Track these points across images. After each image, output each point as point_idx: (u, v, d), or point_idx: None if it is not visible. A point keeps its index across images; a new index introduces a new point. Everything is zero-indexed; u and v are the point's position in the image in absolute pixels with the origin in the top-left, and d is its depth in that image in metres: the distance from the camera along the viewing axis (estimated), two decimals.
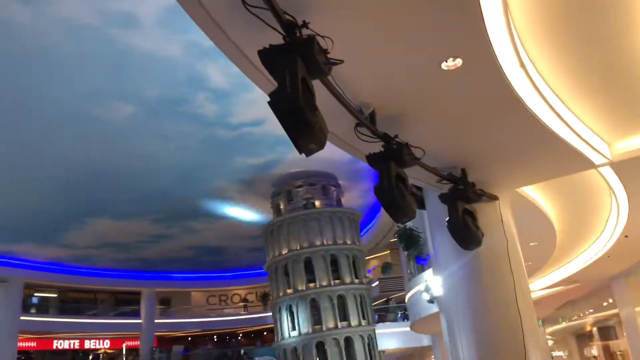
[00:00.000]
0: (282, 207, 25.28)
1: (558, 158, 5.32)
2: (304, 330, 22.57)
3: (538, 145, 4.94)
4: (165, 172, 23.02)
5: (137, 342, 35.89)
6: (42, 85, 16.52)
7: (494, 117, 4.32)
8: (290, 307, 23.29)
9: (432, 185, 5.18)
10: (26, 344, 32.72)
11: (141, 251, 32.02)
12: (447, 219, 4.80)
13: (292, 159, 23.08)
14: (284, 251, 24.11)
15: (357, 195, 28.08)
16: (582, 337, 25.26)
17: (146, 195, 24.66)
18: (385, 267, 32.06)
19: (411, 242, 15.74)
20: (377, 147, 3.85)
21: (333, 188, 25.94)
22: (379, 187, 3.65)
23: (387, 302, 30.97)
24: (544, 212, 7.50)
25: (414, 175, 5.03)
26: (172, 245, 31.41)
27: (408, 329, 19.54)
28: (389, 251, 34.70)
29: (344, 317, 22.71)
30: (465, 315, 5.50)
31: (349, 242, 24.58)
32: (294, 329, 22.95)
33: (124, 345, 35.02)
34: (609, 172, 6.52)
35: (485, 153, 4.96)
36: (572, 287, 16.68)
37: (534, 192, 6.98)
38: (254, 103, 18.67)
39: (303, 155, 2.97)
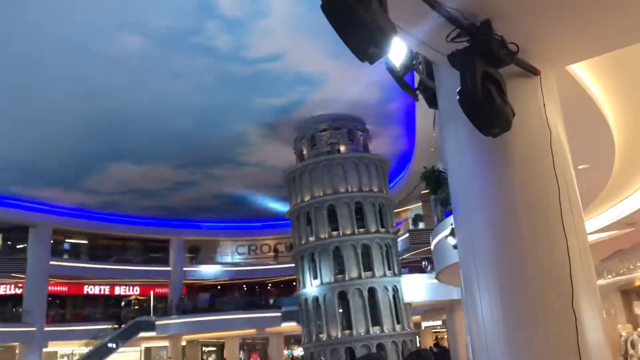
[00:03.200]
0: (305, 152, 23.89)
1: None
2: (325, 279, 21.52)
3: None
4: (182, 113, 21.81)
5: (166, 290, 36.08)
6: (43, 20, 15.42)
7: None
8: (313, 255, 22.20)
9: (440, 52, 3.53)
10: (58, 288, 33.30)
11: (166, 198, 31.51)
12: (459, 89, 3.17)
13: (315, 100, 21.43)
14: (307, 198, 22.87)
15: (386, 142, 26.32)
16: (629, 294, 23.17)
17: (165, 138, 23.61)
18: (416, 219, 30.49)
19: (439, 185, 14.23)
20: None
21: (360, 133, 24.32)
22: None
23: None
24: (602, 115, 5.54)
25: (409, 30, 3.40)
26: (196, 192, 30.67)
27: (437, 280, 18.16)
28: (421, 203, 33.16)
29: (369, 267, 21.50)
30: (485, 254, 3.76)
31: (375, 189, 23.11)
32: (315, 277, 21.94)
33: (151, 292, 35.30)
34: None
35: None
36: (626, 232, 14.49)
37: (590, 82, 5.13)
38: (270, 32, 16.99)
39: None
